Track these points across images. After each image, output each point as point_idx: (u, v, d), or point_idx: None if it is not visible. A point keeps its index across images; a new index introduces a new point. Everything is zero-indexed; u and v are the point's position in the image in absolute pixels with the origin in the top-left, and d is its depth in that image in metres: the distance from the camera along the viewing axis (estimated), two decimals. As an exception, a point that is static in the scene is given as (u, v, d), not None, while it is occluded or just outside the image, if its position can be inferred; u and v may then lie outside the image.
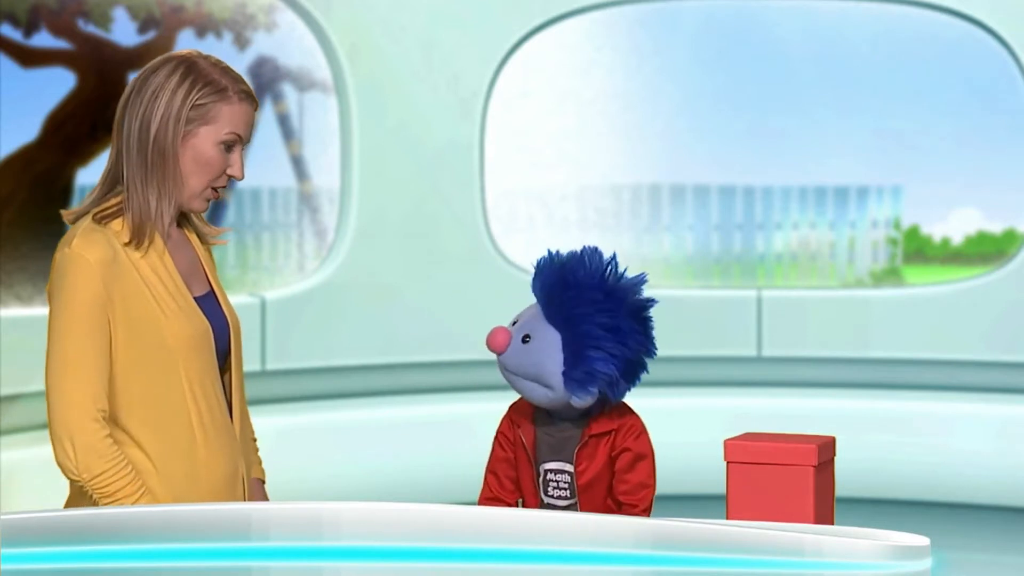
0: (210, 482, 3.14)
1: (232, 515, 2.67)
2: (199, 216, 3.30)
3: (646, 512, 3.02)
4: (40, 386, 3.18)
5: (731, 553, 2.57)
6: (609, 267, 3.03)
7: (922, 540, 2.62)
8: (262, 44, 8.32)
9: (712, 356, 8.29)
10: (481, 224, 8.23)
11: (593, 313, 2.98)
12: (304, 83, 8.45)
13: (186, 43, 7.97)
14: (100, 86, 7.79)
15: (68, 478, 3.08)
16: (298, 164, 8.63)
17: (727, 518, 2.94)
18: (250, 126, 3.20)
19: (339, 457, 7.76)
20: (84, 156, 7.90)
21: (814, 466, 2.93)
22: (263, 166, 8.56)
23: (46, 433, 3.12)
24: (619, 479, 3.04)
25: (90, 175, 7.87)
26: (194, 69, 3.15)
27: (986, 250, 8.85)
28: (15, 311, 7.37)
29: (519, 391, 3.05)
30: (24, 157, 7.87)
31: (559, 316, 3.00)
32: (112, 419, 3.08)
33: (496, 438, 3.13)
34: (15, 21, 7.71)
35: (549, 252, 3.08)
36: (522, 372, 3.01)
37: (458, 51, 8.17)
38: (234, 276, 8.60)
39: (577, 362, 2.97)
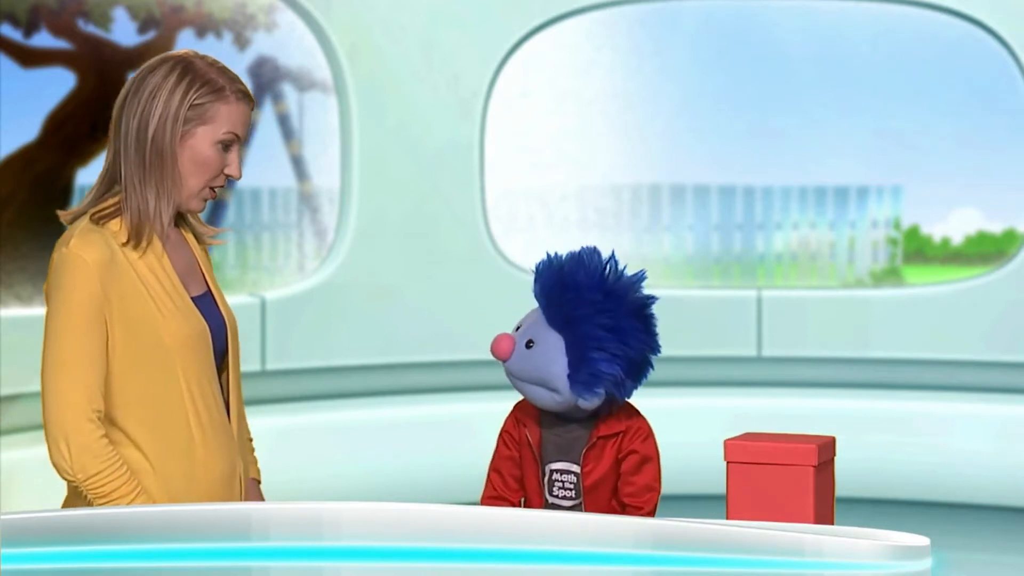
0: (208, 482, 3.14)
1: (232, 515, 2.67)
2: (196, 216, 3.30)
3: (651, 515, 3.02)
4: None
5: (731, 553, 2.57)
6: (608, 266, 3.02)
7: (922, 540, 2.62)
8: (262, 44, 8.32)
9: (712, 356, 8.29)
10: (481, 224, 8.23)
11: (593, 314, 2.98)
12: (304, 83, 8.45)
13: (186, 43, 7.97)
14: (100, 86, 7.79)
15: (63, 478, 3.08)
16: (298, 164, 8.64)
17: (727, 518, 2.94)
18: (247, 125, 3.20)
19: (339, 457, 7.76)
20: (84, 156, 7.90)
21: (814, 466, 2.92)
22: (263, 166, 8.56)
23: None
24: (625, 481, 3.05)
25: (90, 175, 7.87)
26: (191, 69, 3.15)
27: (986, 250, 8.85)
28: (15, 311, 7.38)
29: (526, 396, 3.05)
30: (24, 157, 7.87)
31: (560, 319, 3.00)
32: (109, 419, 3.08)
33: (500, 436, 3.13)
34: (15, 21, 7.71)
35: (548, 255, 3.07)
36: (528, 377, 3.02)
37: (458, 51, 8.17)
38: (234, 276, 8.60)
39: (581, 364, 2.97)
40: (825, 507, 2.98)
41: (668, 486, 3.09)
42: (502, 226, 8.50)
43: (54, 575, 2.58)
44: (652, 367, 3.04)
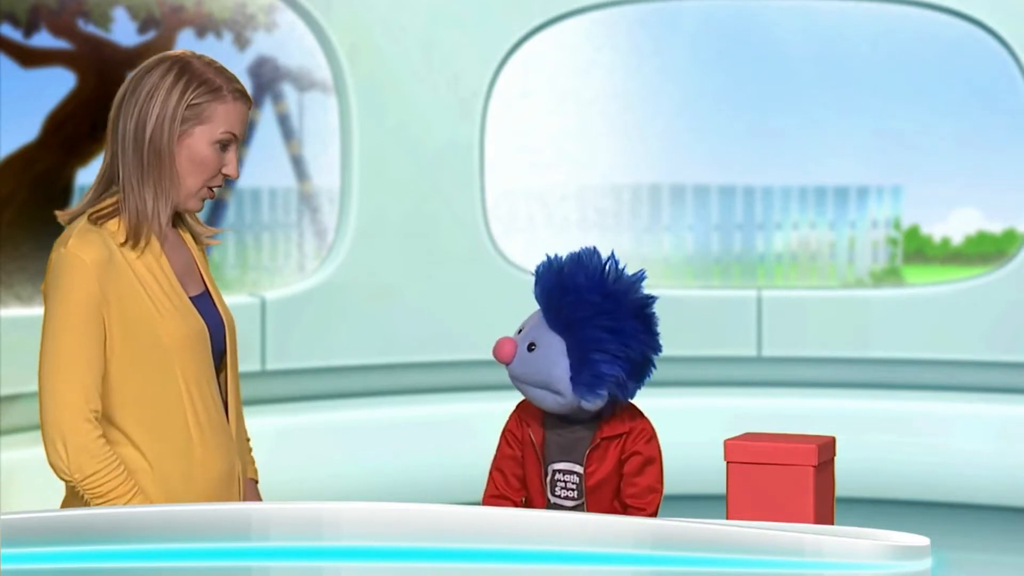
0: (206, 481, 3.14)
1: (232, 515, 2.67)
2: (194, 216, 3.29)
3: (653, 516, 3.02)
4: (40, 386, 3.17)
5: (731, 553, 2.57)
6: (608, 267, 3.02)
7: (922, 540, 2.62)
8: (262, 44, 8.32)
9: (712, 356, 8.29)
10: (481, 224, 8.23)
11: (593, 316, 2.98)
12: (304, 83, 8.45)
13: (186, 43, 7.97)
14: (100, 86, 7.79)
15: (60, 479, 3.08)
16: (298, 164, 8.63)
17: (727, 518, 2.94)
18: (245, 125, 3.20)
19: (339, 457, 7.76)
20: (84, 156, 7.91)
21: (814, 466, 2.92)
22: (263, 166, 8.56)
23: (44, 433, 3.12)
24: (628, 482, 3.05)
25: (90, 175, 7.87)
26: (188, 69, 3.15)
27: (986, 250, 8.85)
28: (15, 311, 7.38)
29: (530, 398, 3.05)
30: (24, 157, 7.87)
31: (561, 322, 3.00)
32: (108, 419, 3.08)
33: (503, 435, 3.13)
34: (15, 21, 7.71)
35: (548, 257, 3.07)
36: (531, 380, 3.02)
37: (458, 51, 8.17)
38: (234, 276, 8.60)
39: (583, 367, 2.97)
40: (825, 507, 2.98)
41: (668, 486, 3.09)
42: (502, 226, 8.50)
43: (54, 575, 2.58)
44: (654, 367, 3.04)
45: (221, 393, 3.24)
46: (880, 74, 8.79)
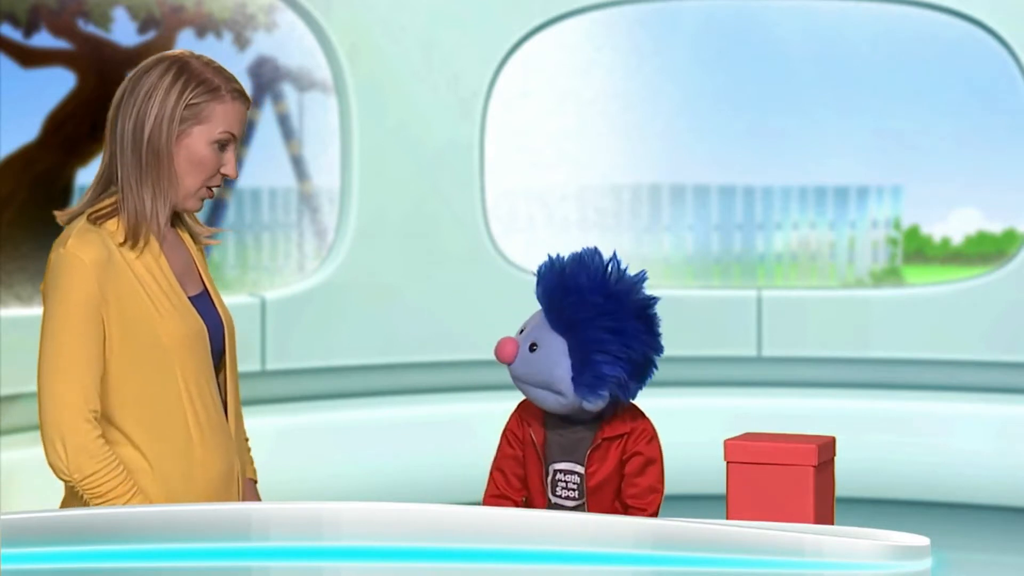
0: (206, 481, 3.14)
1: (232, 515, 2.67)
2: (192, 216, 3.29)
3: (654, 516, 3.02)
4: (40, 386, 3.17)
5: (731, 553, 2.57)
6: (610, 268, 3.02)
7: (922, 540, 2.62)
8: (262, 44, 8.32)
9: (712, 356, 8.29)
10: (481, 224, 8.23)
11: (595, 317, 2.98)
12: (304, 83, 8.45)
13: (186, 43, 7.97)
14: (100, 86, 7.79)
15: (60, 479, 3.08)
16: (298, 164, 8.63)
17: (727, 518, 2.94)
18: (243, 124, 3.20)
19: (339, 457, 7.76)
20: (84, 156, 7.91)
21: (814, 466, 2.92)
22: (263, 166, 8.56)
23: (44, 433, 3.12)
24: (629, 483, 3.05)
25: (90, 175, 7.85)
26: (187, 69, 3.14)
27: (986, 250, 8.85)
28: (15, 311, 7.38)
29: (531, 399, 3.05)
30: (24, 157, 7.87)
31: (562, 322, 3.00)
32: (107, 419, 3.08)
33: (504, 435, 3.13)
34: (15, 21, 7.71)
35: (550, 257, 3.07)
36: (532, 380, 3.02)
37: (458, 51, 8.17)
38: (234, 276, 8.60)
39: (584, 367, 2.97)
40: (825, 507, 2.98)
41: (668, 486, 3.09)
42: (502, 226, 8.50)
43: (54, 575, 2.58)
44: (656, 368, 3.04)
45: (220, 393, 3.24)
46: (880, 74, 8.79)
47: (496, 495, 3.11)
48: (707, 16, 8.87)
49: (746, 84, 8.98)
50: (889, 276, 9.09)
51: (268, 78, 8.44)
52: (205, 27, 8.10)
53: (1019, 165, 8.65)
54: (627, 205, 9.05)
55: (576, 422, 3.05)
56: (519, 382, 3.04)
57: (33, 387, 3.08)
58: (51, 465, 3.06)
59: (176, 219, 3.26)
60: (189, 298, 3.18)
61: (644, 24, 8.88)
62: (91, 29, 7.88)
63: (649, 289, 3.05)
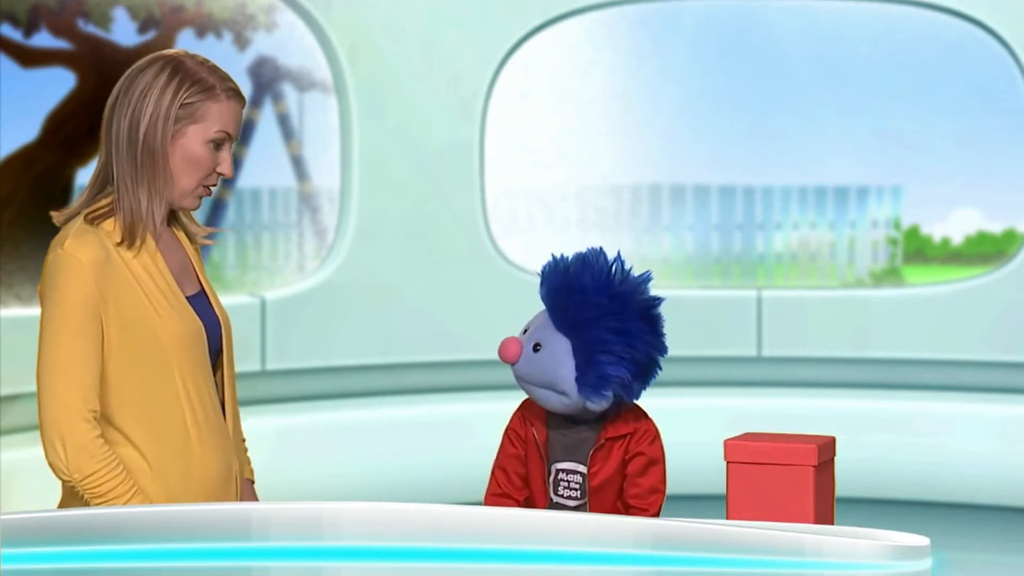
0: (204, 481, 3.14)
1: (232, 515, 2.67)
2: (188, 215, 3.29)
3: (655, 517, 3.02)
4: (40, 386, 3.17)
5: (731, 553, 2.57)
6: (614, 268, 3.02)
7: (922, 540, 2.62)
8: (262, 44, 8.32)
9: (712, 356, 8.28)
10: (481, 224, 8.23)
11: (600, 317, 2.98)
12: (304, 83, 8.45)
13: (186, 43, 7.97)
14: (100, 86, 7.79)
15: (59, 479, 3.08)
16: (298, 164, 8.63)
17: (727, 518, 2.94)
18: (239, 123, 3.20)
19: (339, 457, 7.76)
20: (84, 156, 7.91)
21: (814, 466, 2.92)
22: (263, 166, 8.56)
23: (44, 433, 3.11)
24: (631, 483, 3.05)
25: (90, 175, 7.87)
26: (181, 68, 3.14)
27: (986, 250, 8.85)
28: (15, 311, 7.38)
29: (535, 399, 3.05)
30: (24, 157, 7.87)
31: (567, 322, 3.00)
32: (106, 419, 3.08)
33: (506, 434, 3.13)
34: (15, 21, 7.71)
35: (554, 257, 3.07)
36: (536, 381, 3.02)
37: (458, 51, 8.17)
38: (234, 276, 8.60)
39: (588, 368, 2.97)
40: (825, 507, 2.98)
41: (668, 486, 3.09)
42: (502, 226, 8.50)
43: (54, 575, 2.58)
44: (660, 368, 3.04)
45: (217, 393, 3.24)
46: (880, 74, 8.79)
47: (498, 494, 3.11)
48: (707, 16, 8.87)
49: (746, 84, 8.98)
50: (889, 276, 9.09)
51: (268, 78, 8.44)
52: (205, 27, 8.10)
53: (1019, 165, 8.65)
54: (627, 205, 9.05)
55: (579, 422, 3.06)
56: (522, 382, 3.04)
57: (33, 387, 3.08)
58: (51, 465, 3.06)
59: (172, 218, 3.26)
60: (187, 298, 3.18)
61: (644, 24, 8.88)
62: (91, 29, 7.88)
63: (649, 289, 3.05)
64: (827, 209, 9.05)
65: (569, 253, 3.07)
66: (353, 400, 7.98)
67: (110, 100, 3.17)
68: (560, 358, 2.99)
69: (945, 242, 9.06)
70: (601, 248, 3.05)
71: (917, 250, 9.16)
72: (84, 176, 7.94)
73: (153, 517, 2.66)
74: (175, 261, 3.21)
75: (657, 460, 3.06)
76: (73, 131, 7.89)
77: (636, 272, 3.04)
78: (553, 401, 3.02)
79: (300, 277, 8.38)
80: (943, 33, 8.43)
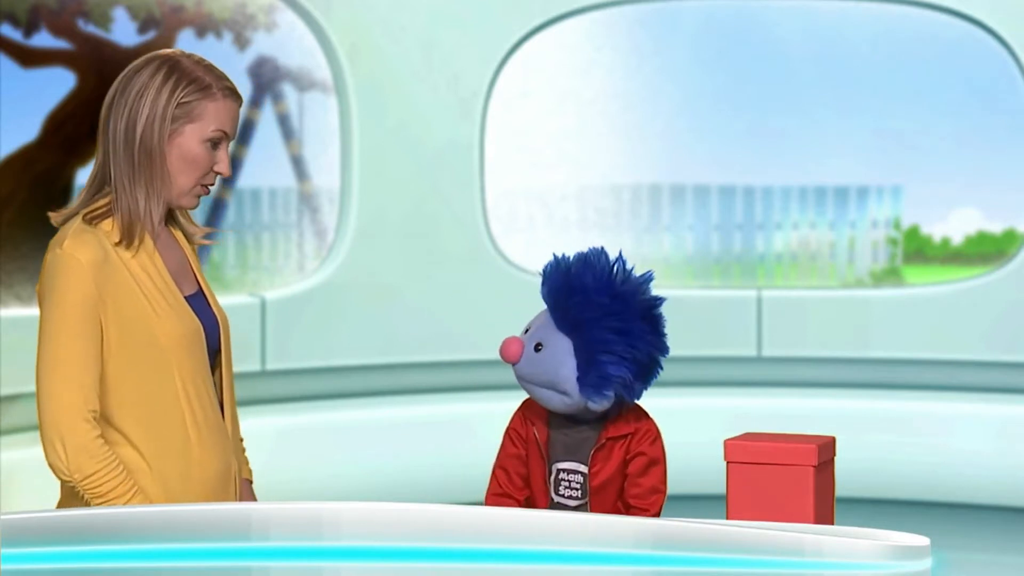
0: (203, 481, 3.14)
1: (232, 515, 2.67)
2: (186, 215, 3.29)
3: (656, 517, 3.02)
4: (40, 386, 3.17)
5: (731, 553, 2.57)
6: (616, 268, 3.02)
7: (922, 540, 2.62)
8: (262, 44, 8.32)
9: (712, 356, 8.28)
10: (481, 224, 8.23)
11: (601, 317, 2.98)
12: (304, 83, 8.45)
13: (186, 43, 7.97)
14: (100, 86, 7.79)
15: (59, 479, 3.08)
16: (298, 164, 8.63)
17: (727, 518, 2.94)
18: (235, 122, 3.20)
19: (339, 457, 7.76)
20: (84, 156, 7.90)
21: (814, 466, 2.92)
22: (263, 166, 8.56)
23: (44, 434, 3.11)
24: (631, 483, 3.05)
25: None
26: (177, 68, 3.15)
27: (986, 250, 8.85)
28: (15, 311, 7.38)
29: (536, 398, 3.05)
30: (24, 157, 7.87)
31: (568, 322, 3.00)
32: (105, 419, 3.08)
33: (507, 434, 3.13)
34: (15, 21, 7.71)
35: (555, 257, 3.07)
36: (537, 380, 3.02)
37: (458, 51, 8.17)
38: (234, 276, 8.60)
39: (590, 368, 2.97)
40: (825, 507, 2.98)
41: (669, 486, 3.09)
42: (502, 226, 8.50)
43: (54, 575, 2.58)
44: (661, 368, 3.04)
45: (216, 393, 3.24)
46: (880, 74, 8.79)
47: (498, 493, 3.11)
48: (707, 16, 8.87)
49: (746, 84, 8.98)
50: (889, 276, 9.09)
51: (268, 78, 8.44)
52: (205, 27, 8.10)
53: (1019, 165, 8.65)
54: (627, 205, 9.05)
55: (580, 422, 3.06)
56: (524, 382, 3.04)
57: (33, 387, 3.07)
58: (51, 466, 3.06)
59: (170, 219, 3.26)
60: (185, 298, 3.18)
61: (644, 24, 8.88)
62: (91, 29, 7.88)
63: (650, 289, 3.05)
64: (827, 209, 9.05)
65: (570, 253, 3.07)
66: (353, 400, 7.98)
67: (106, 101, 3.17)
68: (562, 358, 3.00)
69: (945, 242, 9.06)
70: (603, 248, 3.05)
71: (917, 250, 9.17)
72: (84, 176, 7.94)
73: (153, 517, 2.66)
74: (173, 261, 3.21)
75: (658, 460, 3.06)
76: (73, 131, 7.89)
77: (638, 272, 3.04)
78: (555, 401, 3.02)
79: (300, 277, 8.38)
80: (943, 33, 8.43)
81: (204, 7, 8.08)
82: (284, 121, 8.54)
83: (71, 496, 3.10)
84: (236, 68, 8.10)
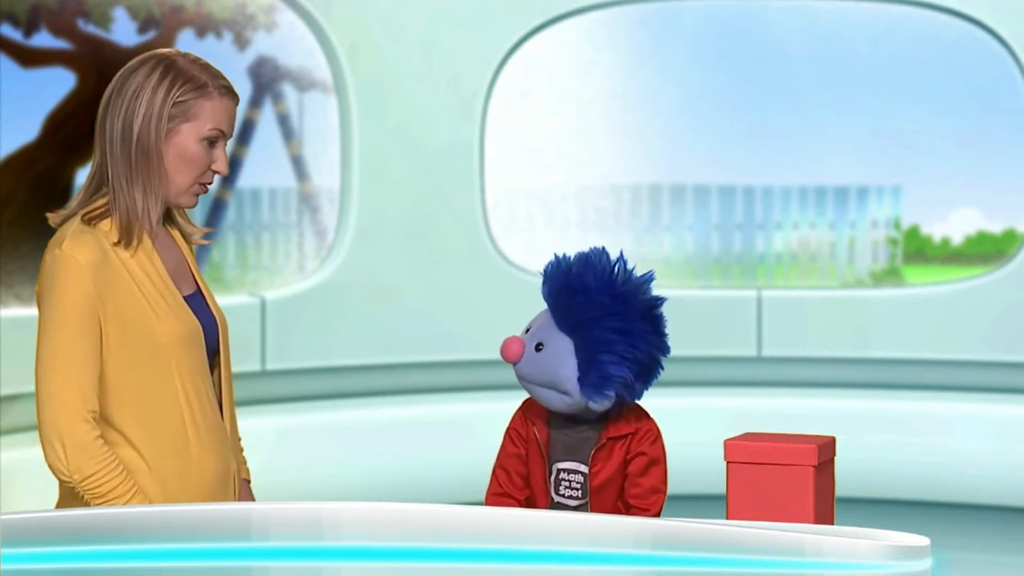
0: (202, 481, 3.14)
1: (232, 515, 2.67)
2: (183, 215, 3.29)
3: (656, 517, 3.02)
4: (40, 386, 3.17)
5: (731, 553, 2.57)
6: (616, 268, 3.02)
7: (922, 540, 2.62)
8: (262, 44, 8.32)
9: (712, 356, 8.28)
10: (481, 224, 8.23)
11: (602, 317, 2.98)
12: (304, 83, 8.45)
13: (186, 43, 7.97)
14: (100, 86, 7.74)
15: (59, 479, 3.08)
16: (298, 164, 8.63)
17: (727, 518, 2.94)
18: (232, 121, 3.20)
19: (339, 457, 7.76)
20: (84, 156, 7.91)
21: (814, 466, 2.92)
22: (263, 166, 8.56)
23: (44, 433, 3.11)
24: (632, 483, 3.05)
25: (90, 175, 7.86)
26: (173, 67, 3.15)
27: (986, 250, 8.85)
28: (15, 311, 7.38)
29: (537, 398, 3.05)
30: (24, 157, 7.87)
31: (569, 322, 3.00)
32: (105, 419, 3.08)
33: (507, 433, 3.13)
34: (15, 21, 7.71)
35: (556, 256, 3.07)
36: (538, 380, 3.02)
37: (458, 51, 8.17)
38: (234, 276, 8.60)
39: (590, 367, 2.97)
40: (825, 507, 2.98)
41: (669, 486, 3.09)
42: (502, 226, 8.50)
43: (54, 575, 2.58)
44: (662, 368, 3.04)
45: (215, 393, 3.24)
46: (880, 74, 8.79)
47: (499, 493, 3.11)
48: (707, 16, 8.87)
49: (746, 84, 8.98)
50: (889, 276, 9.09)
51: (268, 78, 8.44)
52: (205, 27, 8.10)
53: (1019, 165, 8.65)
54: (627, 205, 9.05)
55: (581, 421, 3.06)
56: (524, 382, 3.04)
57: (33, 387, 3.07)
58: (50, 466, 3.06)
59: (168, 218, 3.26)
60: (183, 298, 3.18)
61: (644, 24, 8.88)
62: (91, 29, 7.88)
63: (651, 289, 3.05)
64: (827, 209, 9.05)
65: (571, 253, 3.07)
66: (353, 400, 7.98)
67: (103, 101, 3.17)
68: (562, 358, 2.99)
69: (945, 242, 9.06)
70: (604, 248, 3.05)
71: (917, 250, 9.17)
72: (84, 176, 7.93)
73: (153, 517, 2.66)
74: (171, 261, 3.21)
75: (658, 460, 3.06)
76: (73, 131, 7.89)
77: (638, 272, 3.04)
78: (555, 401, 3.02)
79: (300, 277, 8.38)
80: (943, 33, 8.43)
81: (204, 7, 8.08)
82: (284, 121, 8.54)
83: (69, 496, 3.10)
84: (236, 68, 8.10)
